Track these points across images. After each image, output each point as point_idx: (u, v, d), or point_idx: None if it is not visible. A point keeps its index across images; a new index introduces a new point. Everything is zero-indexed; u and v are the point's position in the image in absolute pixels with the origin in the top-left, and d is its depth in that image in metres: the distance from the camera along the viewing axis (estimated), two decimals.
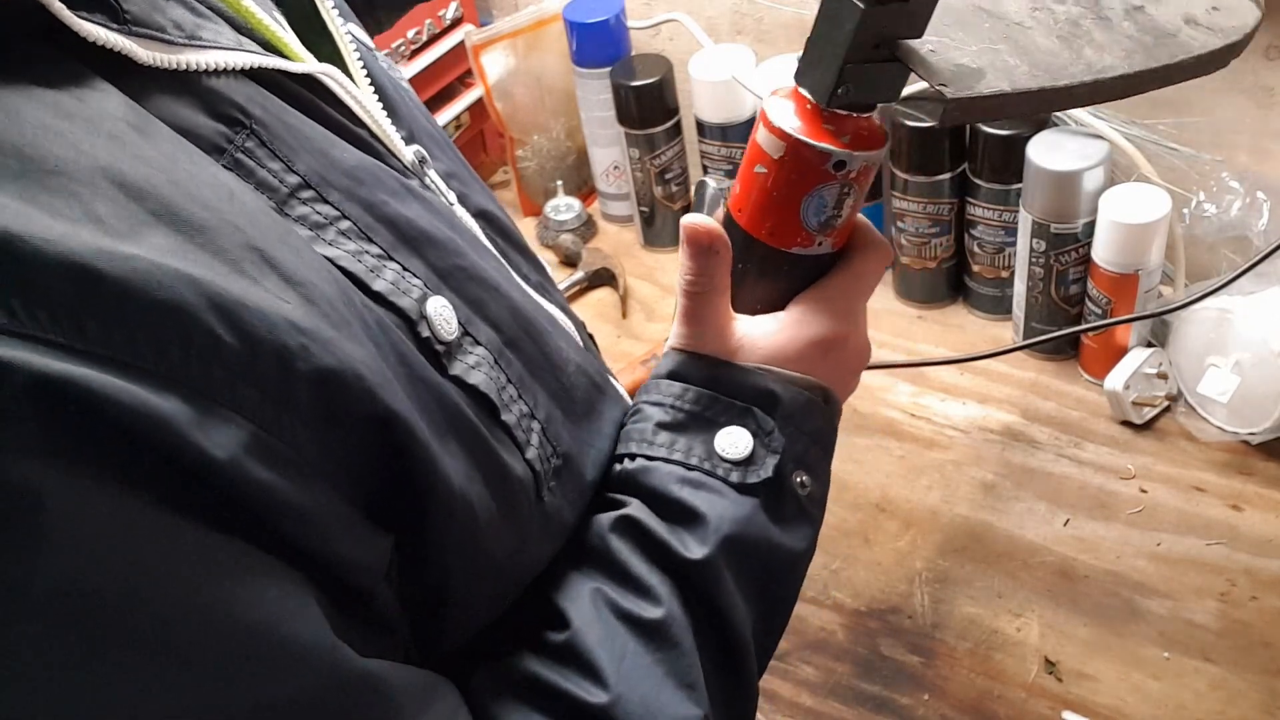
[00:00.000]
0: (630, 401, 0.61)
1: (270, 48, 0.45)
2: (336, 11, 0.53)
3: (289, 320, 0.35)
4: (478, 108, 1.28)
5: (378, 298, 0.42)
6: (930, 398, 1.03)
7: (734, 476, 0.51)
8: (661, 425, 0.53)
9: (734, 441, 0.52)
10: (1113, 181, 0.95)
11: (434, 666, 0.44)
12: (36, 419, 0.29)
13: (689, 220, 0.53)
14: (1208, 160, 0.96)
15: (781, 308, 0.55)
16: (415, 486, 0.40)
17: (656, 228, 1.24)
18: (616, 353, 1.12)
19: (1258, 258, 0.87)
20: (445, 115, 1.26)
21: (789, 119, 0.51)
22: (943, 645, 0.84)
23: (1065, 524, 0.90)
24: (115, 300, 0.31)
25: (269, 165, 0.41)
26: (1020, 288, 1.03)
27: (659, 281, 1.21)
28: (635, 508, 0.50)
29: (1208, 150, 0.96)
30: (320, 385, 0.36)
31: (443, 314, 0.44)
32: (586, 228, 1.27)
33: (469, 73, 1.26)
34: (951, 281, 1.11)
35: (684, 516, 0.50)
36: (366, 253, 0.42)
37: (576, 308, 1.16)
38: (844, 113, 0.51)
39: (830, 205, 0.53)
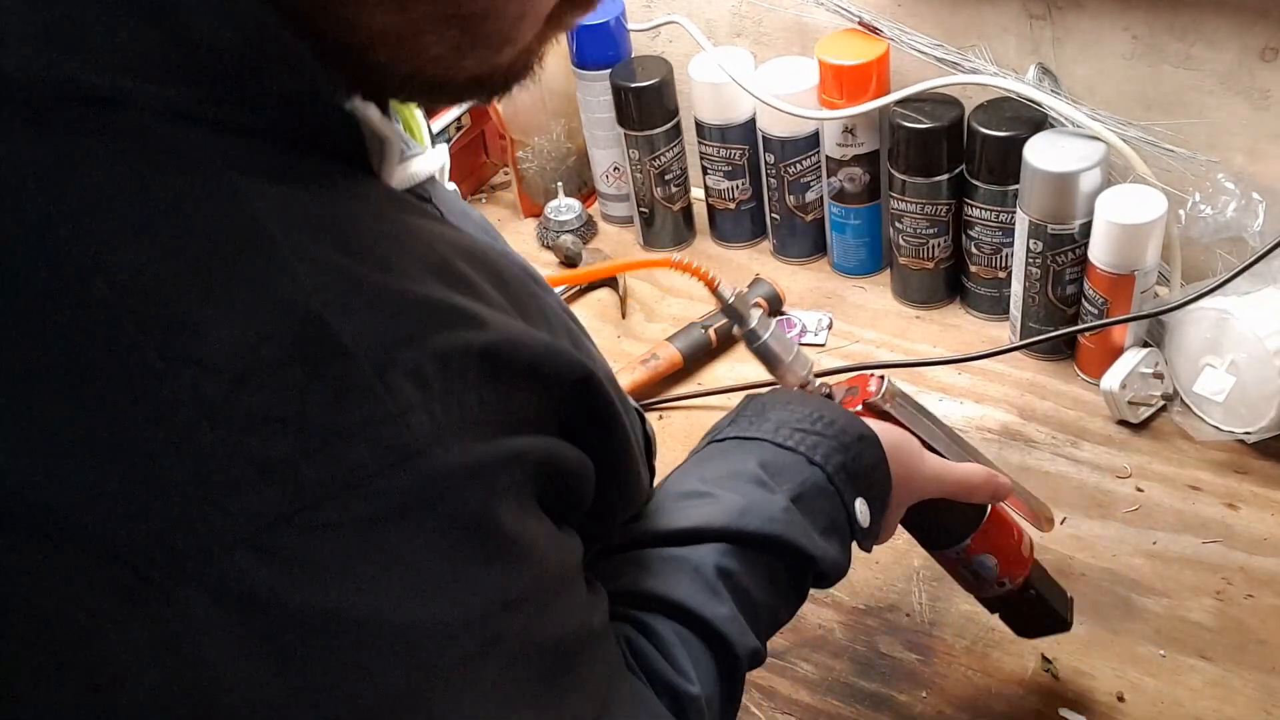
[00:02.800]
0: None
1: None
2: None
3: (558, 349, 0.45)
4: (478, 109, 1.28)
5: None
6: (928, 397, 1.03)
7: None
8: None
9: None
10: (1109, 182, 0.95)
11: None
12: (531, 483, 0.42)
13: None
14: (1203, 161, 0.96)
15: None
16: (607, 425, 0.50)
17: (656, 229, 1.24)
18: (617, 353, 1.12)
19: (1253, 258, 0.87)
20: (446, 117, 1.26)
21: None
22: (940, 643, 0.84)
23: (1062, 522, 0.90)
24: (526, 371, 0.43)
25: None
26: (1017, 288, 1.03)
27: (659, 282, 1.21)
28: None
29: (1203, 151, 0.96)
30: (578, 385, 0.47)
31: None
32: (587, 229, 1.27)
33: None
34: (949, 282, 1.11)
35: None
36: None
37: (576, 308, 1.17)
38: None
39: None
